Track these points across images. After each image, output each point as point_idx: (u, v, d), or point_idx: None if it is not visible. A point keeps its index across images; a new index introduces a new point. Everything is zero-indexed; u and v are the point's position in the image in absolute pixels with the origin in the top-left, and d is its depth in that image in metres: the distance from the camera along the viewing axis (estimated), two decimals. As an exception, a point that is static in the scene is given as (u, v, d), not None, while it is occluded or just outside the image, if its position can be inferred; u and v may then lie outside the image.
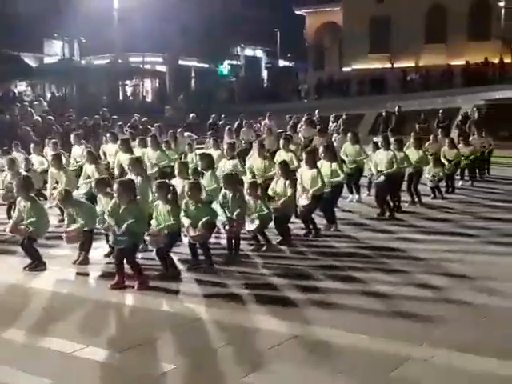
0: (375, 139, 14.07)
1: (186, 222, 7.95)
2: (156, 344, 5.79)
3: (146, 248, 8.26)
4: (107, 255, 8.69)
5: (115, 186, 7.55)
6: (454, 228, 10.50)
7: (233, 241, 8.60)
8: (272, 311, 6.53)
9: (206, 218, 7.87)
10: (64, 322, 6.42)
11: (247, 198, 8.89)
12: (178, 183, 9.00)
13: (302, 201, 9.57)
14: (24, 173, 10.77)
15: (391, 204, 11.47)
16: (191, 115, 24.90)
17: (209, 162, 10.10)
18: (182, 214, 7.96)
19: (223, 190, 8.72)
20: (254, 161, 11.50)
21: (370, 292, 7.12)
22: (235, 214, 8.39)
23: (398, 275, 7.79)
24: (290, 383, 4.99)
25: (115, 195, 7.50)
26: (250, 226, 8.72)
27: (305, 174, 9.76)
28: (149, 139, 13.02)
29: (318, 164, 10.02)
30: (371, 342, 5.66)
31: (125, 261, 7.34)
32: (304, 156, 10.03)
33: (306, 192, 9.55)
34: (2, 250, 9.23)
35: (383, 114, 22.83)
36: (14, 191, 8.58)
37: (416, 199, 12.45)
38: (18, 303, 7.00)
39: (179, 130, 17.43)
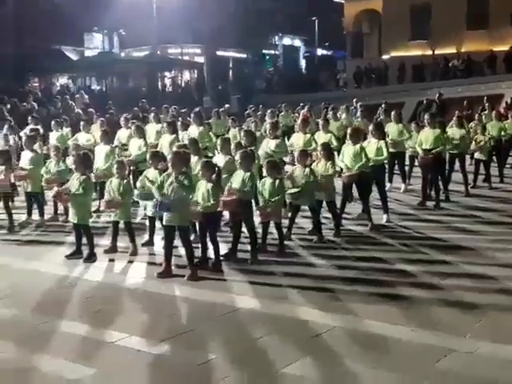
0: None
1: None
2: (197, 334, 5.81)
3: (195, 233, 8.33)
4: (144, 244, 8.84)
5: (170, 156, 7.67)
6: (500, 217, 10.27)
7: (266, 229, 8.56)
8: (313, 302, 6.49)
9: (245, 189, 7.91)
10: (107, 311, 6.50)
11: (296, 166, 8.95)
12: (220, 159, 9.05)
13: (347, 175, 9.50)
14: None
15: (435, 191, 11.23)
16: (227, 105, 24.95)
17: (253, 140, 10.19)
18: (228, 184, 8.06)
19: (263, 179, 8.65)
20: (296, 137, 11.72)
21: (414, 283, 7.02)
22: (272, 201, 8.29)
23: (443, 266, 7.66)
24: (332, 374, 4.95)
25: (169, 164, 7.61)
26: (293, 190, 8.72)
27: (347, 150, 9.70)
28: (192, 116, 13.35)
29: (365, 143, 9.99)
30: (414, 334, 5.59)
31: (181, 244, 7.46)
32: (348, 132, 10.00)
33: (349, 170, 9.50)
34: (50, 240, 9.42)
35: (424, 101, 22.42)
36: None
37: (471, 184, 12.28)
38: (64, 293, 7.11)
39: (221, 110, 17.65)
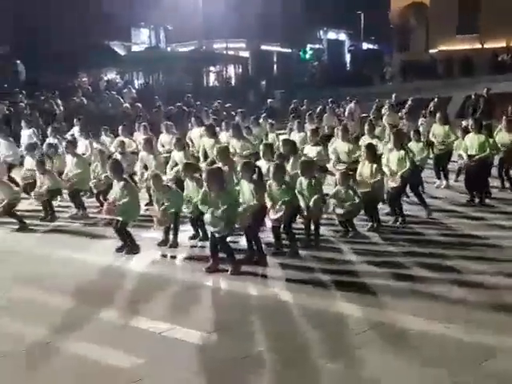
0: (464, 123, 13.61)
1: (268, 203, 8.02)
2: (242, 327, 5.90)
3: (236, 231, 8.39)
4: (192, 238, 8.95)
5: (204, 175, 7.64)
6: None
7: (311, 226, 8.60)
8: (357, 297, 6.50)
9: (287, 198, 7.93)
10: (154, 302, 6.64)
11: (338, 187, 8.88)
12: (262, 165, 9.09)
13: (391, 183, 9.46)
14: (118, 156, 11.25)
15: (482, 190, 11.08)
16: (271, 100, 24.96)
17: (291, 148, 10.11)
18: (266, 195, 8.03)
19: (300, 177, 8.70)
20: (338, 144, 11.42)
21: (458, 280, 6.95)
22: (312, 201, 8.34)
23: (488, 263, 7.55)
24: (377, 371, 4.95)
25: (205, 184, 7.60)
26: (341, 210, 8.73)
27: (392, 155, 9.63)
28: (231, 129, 13.01)
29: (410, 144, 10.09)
30: (459, 332, 5.55)
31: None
32: (392, 137, 9.90)
33: (393, 175, 9.44)
34: (96, 233, 9.66)
35: (472, 96, 21.99)
36: (109, 174, 8.93)
37: (507, 185, 11.99)
38: (111, 284, 7.30)
39: (263, 115, 17.52)
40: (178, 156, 11.14)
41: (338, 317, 6.05)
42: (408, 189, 10.20)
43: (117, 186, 8.51)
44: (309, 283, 7.02)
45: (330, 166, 11.31)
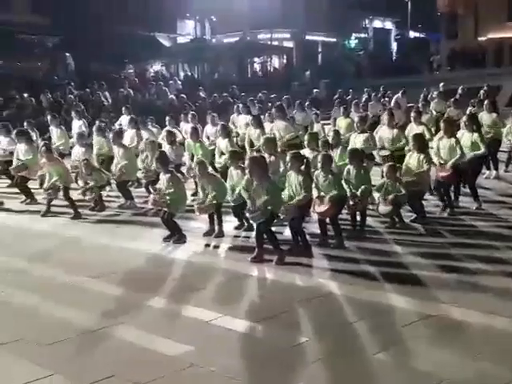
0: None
1: (314, 194, 7.99)
2: (289, 317, 5.91)
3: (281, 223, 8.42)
4: (237, 228, 9.01)
5: (247, 163, 7.70)
6: None
7: (357, 217, 8.56)
8: (404, 289, 6.44)
9: (334, 193, 7.88)
10: (201, 291, 6.71)
11: (385, 180, 8.77)
12: (307, 154, 9.09)
13: (441, 172, 9.30)
14: (167, 147, 11.40)
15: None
16: (316, 90, 24.83)
17: (339, 138, 10.10)
18: (313, 185, 8.02)
19: (348, 166, 8.65)
20: (383, 131, 11.31)
21: (507, 272, 6.81)
22: (360, 190, 8.27)
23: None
24: (428, 363, 4.88)
25: (247, 171, 7.67)
26: (384, 208, 8.64)
27: (442, 143, 9.46)
28: (275, 111, 13.20)
29: (459, 134, 9.72)
30: (509, 325, 5.45)
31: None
32: (442, 125, 9.72)
33: (444, 164, 9.29)
34: (144, 222, 9.82)
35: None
36: (156, 166, 9.05)
37: None
38: (159, 273, 7.43)
39: (306, 103, 17.50)
40: (222, 143, 11.26)
41: (384, 308, 6.01)
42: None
43: (164, 178, 8.62)
44: (354, 274, 6.98)
45: (374, 153, 11.23)
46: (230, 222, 9.09)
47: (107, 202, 11.06)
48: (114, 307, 6.31)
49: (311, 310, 6.09)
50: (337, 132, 10.82)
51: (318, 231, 8.25)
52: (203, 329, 5.68)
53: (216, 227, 8.78)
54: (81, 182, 10.80)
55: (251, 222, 7.93)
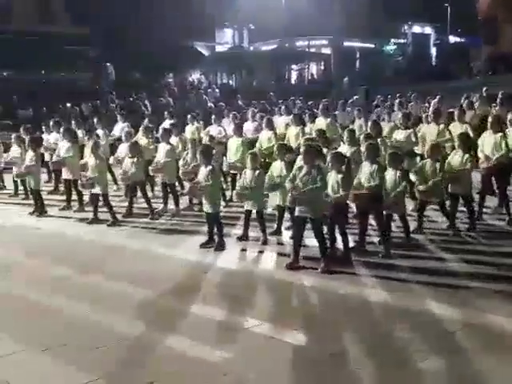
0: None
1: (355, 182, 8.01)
2: (330, 324, 5.89)
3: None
4: (274, 233, 9.05)
5: (302, 149, 7.70)
6: None
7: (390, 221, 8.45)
8: (445, 298, 6.36)
9: (373, 183, 7.84)
10: (240, 298, 6.74)
11: (425, 161, 8.76)
12: (345, 150, 9.09)
13: (484, 164, 9.17)
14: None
15: None
16: (355, 97, 24.73)
17: (379, 131, 10.37)
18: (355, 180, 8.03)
19: (386, 171, 8.56)
20: (426, 128, 11.33)
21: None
22: (393, 194, 8.09)
23: None
24: (469, 373, 4.82)
25: (300, 157, 7.72)
26: (422, 187, 8.58)
27: (487, 139, 9.37)
28: (320, 108, 13.67)
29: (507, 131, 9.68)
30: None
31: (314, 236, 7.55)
32: (489, 120, 9.66)
33: (488, 159, 9.18)
34: (182, 230, 9.89)
35: None
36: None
37: None
38: (198, 279, 7.47)
39: (349, 102, 17.65)
40: (266, 135, 11.41)
41: (428, 317, 5.93)
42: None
43: (204, 170, 8.68)
44: (395, 282, 6.93)
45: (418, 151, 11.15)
46: (269, 229, 9.10)
47: (141, 209, 11.02)
48: (155, 314, 6.37)
49: (352, 318, 6.04)
50: (375, 122, 10.92)
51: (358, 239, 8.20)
52: (242, 336, 5.70)
53: (261, 234, 8.80)
54: (120, 173, 10.87)
55: (296, 216, 7.82)
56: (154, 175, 11.58)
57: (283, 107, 15.64)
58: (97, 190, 10.34)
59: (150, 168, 10.94)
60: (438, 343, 5.35)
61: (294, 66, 41.20)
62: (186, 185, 9.02)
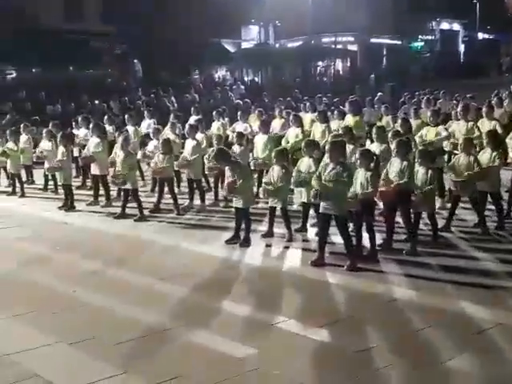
0: None
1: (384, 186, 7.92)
2: (355, 322, 5.86)
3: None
4: (299, 230, 8.99)
5: (328, 146, 7.65)
6: None
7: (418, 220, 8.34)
8: (473, 296, 6.29)
9: (402, 181, 7.77)
10: (266, 294, 6.74)
11: (460, 155, 8.68)
12: (375, 147, 9.05)
13: None
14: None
15: None
16: (380, 93, 24.52)
17: (409, 128, 10.37)
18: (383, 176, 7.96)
19: (416, 168, 8.46)
20: (457, 125, 11.29)
21: None
22: (423, 191, 7.98)
23: None
24: (498, 373, 4.76)
25: (326, 154, 7.65)
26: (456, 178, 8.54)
27: None
28: (347, 105, 13.74)
29: None
30: None
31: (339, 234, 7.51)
32: None
33: None
34: (213, 225, 9.93)
35: None
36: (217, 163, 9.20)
37: None
38: (225, 275, 7.49)
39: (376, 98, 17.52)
40: (294, 132, 11.47)
41: (456, 315, 5.88)
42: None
43: (228, 171, 8.66)
44: (422, 280, 6.87)
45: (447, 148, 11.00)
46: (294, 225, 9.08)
47: (167, 205, 10.99)
48: (182, 309, 6.40)
49: (379, 316, 6.00)
50: (405, 120, 10.87)
51: (385, 236, 8.13)
52: (269, 332, 5.70)
53: (286, 231, 8.77)
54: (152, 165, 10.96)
55: (320, 213, 7.77)
56: (180, 171, 11.62)
57: (308, 104, 15.59)
58: (127, 185, 10.42)
59: (175, 163, 10.97)
60: (467, 342, 5.29)
61: (320, 63, 41.03)
62: (211, 180, 9.03)
